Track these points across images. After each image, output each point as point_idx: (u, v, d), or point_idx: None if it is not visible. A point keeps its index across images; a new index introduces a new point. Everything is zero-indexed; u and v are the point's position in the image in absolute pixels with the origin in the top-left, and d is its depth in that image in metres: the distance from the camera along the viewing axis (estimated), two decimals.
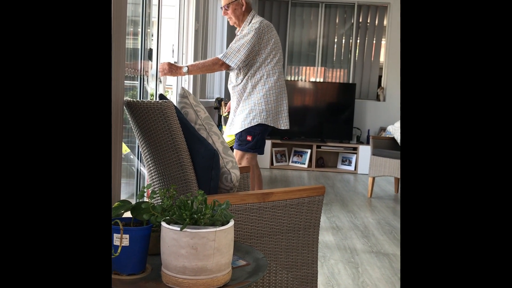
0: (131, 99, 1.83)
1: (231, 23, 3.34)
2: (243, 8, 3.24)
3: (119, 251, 1.23)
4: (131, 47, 2.82)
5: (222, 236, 1.20)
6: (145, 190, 1.44)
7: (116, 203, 1.37)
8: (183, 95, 1.94)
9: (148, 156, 1.89)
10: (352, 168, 6.69)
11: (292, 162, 6.78)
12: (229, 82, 3.36)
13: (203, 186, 1.80)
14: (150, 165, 1.90)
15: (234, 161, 1.90)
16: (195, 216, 1.21)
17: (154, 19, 3.16)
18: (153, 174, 1.91)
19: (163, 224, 1.21)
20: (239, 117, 3.26)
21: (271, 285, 1.74)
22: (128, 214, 1.35)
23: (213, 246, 1.18)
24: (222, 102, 4.78)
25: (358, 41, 7.03)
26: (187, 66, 3.11)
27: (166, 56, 3.78)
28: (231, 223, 1.25)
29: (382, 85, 7.06)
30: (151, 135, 1.78)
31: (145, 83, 2.99)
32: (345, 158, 6.78)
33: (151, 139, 1.79)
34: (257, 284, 1.71)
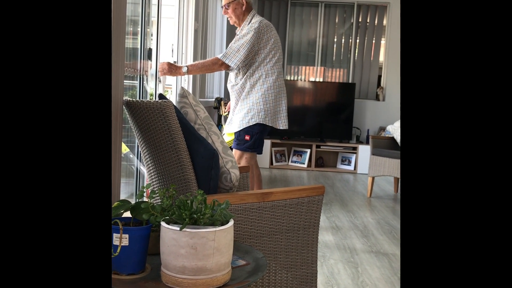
0: (131, 99, 1.83)
1: (231, 22, 3.34)
2: (243, 7, 3.24)
3: (118, 251, 1.23)
4: (131, 46, 2.82)
5: (222, 236, 1.19)
6: (145, 190, 1.44)
7: (116, 203, 1.37)
8: (183, 94, 1.94)
9: (147, 156, 1.89)
10: (351, 168, 6.69)
11: (292, 161, 6.78)
12: (228, 81, 3.36)
13: (203, 186, 1.80)
14: (150, 165, 1.90)
15: (233, 161, 1.90)
16: (195, 216, 1.21)
17: (153, 18, 3.16)
18: (152, 174, 1.91)
19: (163, 224, 1.21)
20: (238, 116, 3.26)
21: (270, 284, 1.74)
22: (127, 214, 1.35)
23: (212, 246, 1.18)
24: (222, 102, 4.78)
25: (358, 40, 7.03)
26: (186, 66, 3.11)
27: (166, 55, 3.78)
28: (231, 223, 1.24)
29: (381, 85, 7.06)
30: (150, 135, 1.78)
31: (144, 82, 2.98)
32: (344, 157, 6.78)
33: (150, 139, 1.79)
34: (257, 284, 1.71)
